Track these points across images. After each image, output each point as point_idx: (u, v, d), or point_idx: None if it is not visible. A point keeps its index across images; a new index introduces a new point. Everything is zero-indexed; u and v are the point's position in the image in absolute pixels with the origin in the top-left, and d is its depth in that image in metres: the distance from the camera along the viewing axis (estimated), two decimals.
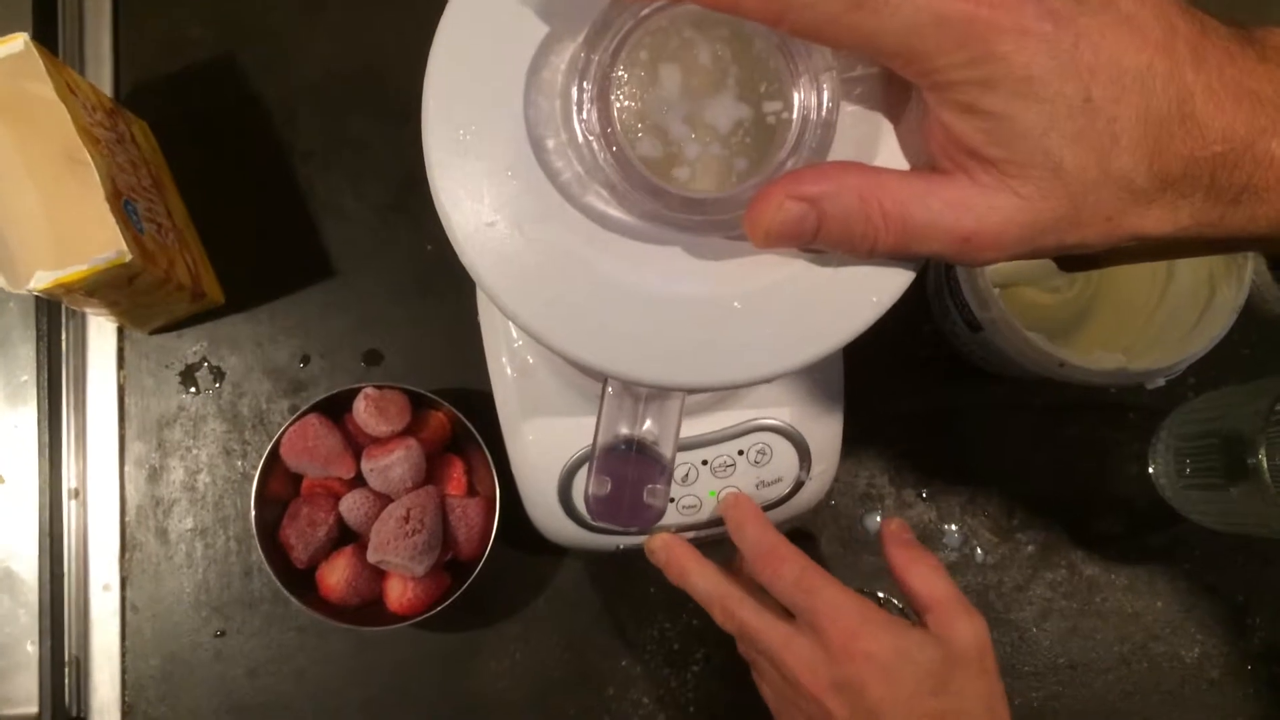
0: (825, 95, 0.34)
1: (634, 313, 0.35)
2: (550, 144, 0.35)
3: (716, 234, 0.35)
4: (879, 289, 0.35)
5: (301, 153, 0.77)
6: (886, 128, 0.35)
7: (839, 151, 0.35)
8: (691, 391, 0.41)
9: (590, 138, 0.34)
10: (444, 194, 0.35)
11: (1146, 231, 0.32)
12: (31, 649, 0.72)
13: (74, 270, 0.59)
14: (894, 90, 0.35)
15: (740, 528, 0.58)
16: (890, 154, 0.35)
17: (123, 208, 0.61)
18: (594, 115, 0.34)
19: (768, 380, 0.36)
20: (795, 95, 0.34)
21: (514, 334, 0.62)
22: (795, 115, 0.34)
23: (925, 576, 0.55)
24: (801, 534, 0.75)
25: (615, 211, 0.36)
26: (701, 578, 0.58)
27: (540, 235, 0.35)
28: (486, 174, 0.35)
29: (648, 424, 0.40)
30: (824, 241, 0.33)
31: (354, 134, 0.77)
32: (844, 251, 0.34)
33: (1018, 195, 0.31)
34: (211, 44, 0.78)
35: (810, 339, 0.35)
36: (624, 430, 0.40)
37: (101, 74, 0.77)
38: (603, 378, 0.40)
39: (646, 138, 0.34)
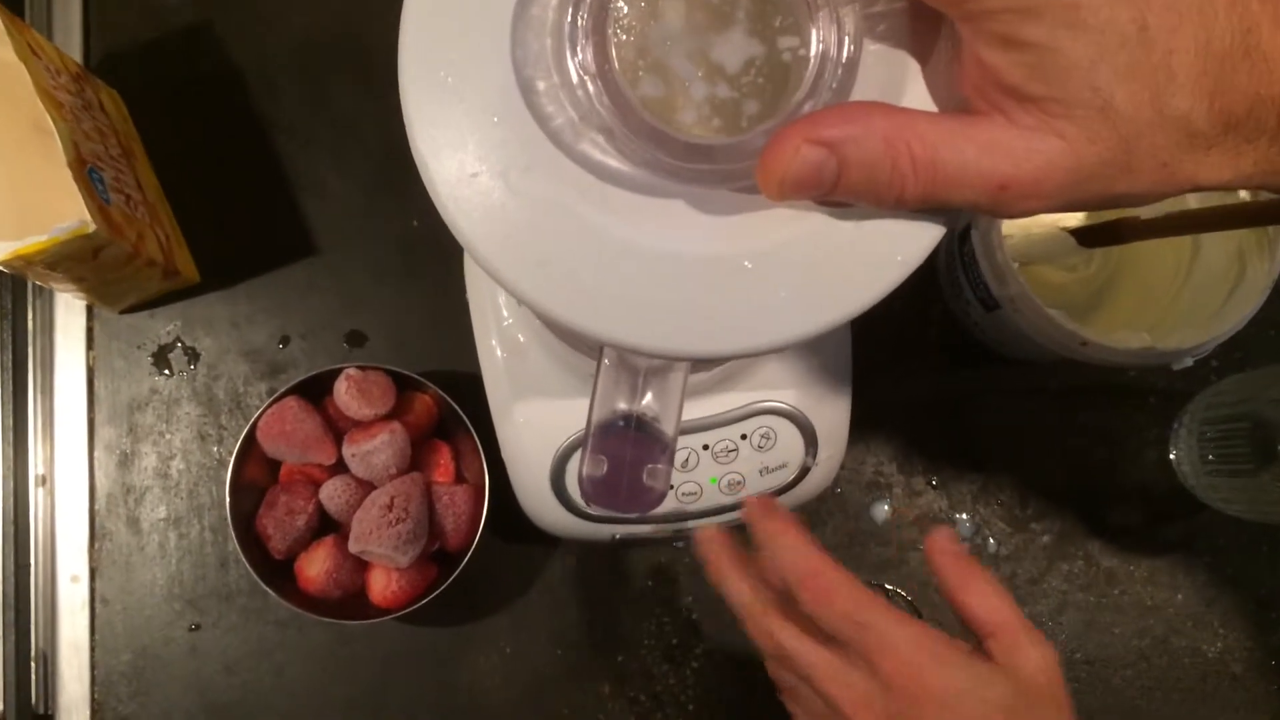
0: (847, 31, 0.31)
1: (633, 274, 0.32)
2: (541, 86, 0.32)
3: (725, 185, 0.32)
4: (905, 246, 0.32)
5: (281, 125, 0.74)
6: (914, 68, 0.32)
7: (861, 95, 0.31)
8: (697, 361, 0.37)
9: (585, 78, 0.31)
10: (422, 142, 0.32)
11: (1205, 180, 0.29)
12: None
13: (34, 241, 0.55)
14: (921, 26, 0.32)
15: (773, 540, 0.49)
16: (918, 97, 0.32)
17: (86, 175, 0.58)
18: (589, 53, 0.31)
19: (781, 348, 0.32)
20: (813, 31, 0.31)
21: (504, 312, 0.59)
22: (813, 53, 0.31)
23: (985, 596, 0.47)
24: (805, 523, 0.72)
25: (613, 161, 0.32)
26: (741, 586, 0.50)
27: (529, 187, 0.32)
28: (469, 120, 0.32)
29: (648, 398, 0.37)
30: (845, 191, 0.30)
31: (336, 106, 0.74)
32: (867, 203, 0.30)
33: (1061, 137, 0.28)
34: (188, 11, 0.75)
35: (829, 302, 0.32)
36: (622, 405, 0.37)
37: (71, 41, 0.73)
38: (598, 347, 0.36)
39: (647, 77, 0.31)
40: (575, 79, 0.31)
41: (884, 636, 0.45)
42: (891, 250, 0.32)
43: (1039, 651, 0.46)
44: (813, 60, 0.31)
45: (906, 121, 0.29)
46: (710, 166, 0.31)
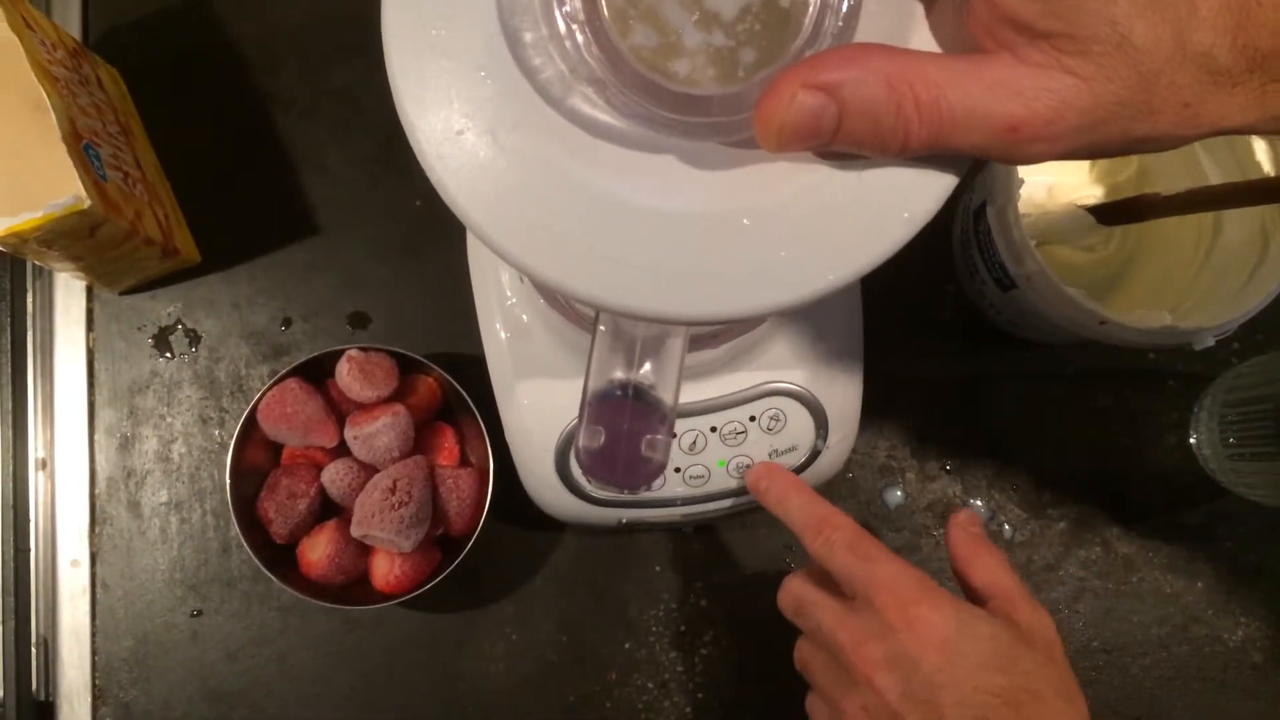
0: None
1: (626, 234, 0.31)
2: (528, 37, 0.31)
3: (721, 139, 0.31)
4: (912, 201, 0.30)
5: (283, 102, 0.73)
6: (918, 12, 0.30)
7: (864, 40, 0.30)
8: (695, 325, 0.36)
9: (573, 27, 0.30)
10: (406, 98, 0.31)
11: (1230, 122, 0.27)
12: None
13: (28, 217, 0.54)
14: None
15: (784, 500, 0.54)
16: (923, 42, 0.30)
17: (82, 151, 0.57)
18: (578, 1, 0.29)
19: (783, 310, 0.31)
20: None
21: (507, 292, 0.58)
22: None
23: (989, 567, 0.50)
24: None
25: (604, 115, 0.31)
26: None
27: (518, 144, 0.31)
28: (454, 74, 0.31)
29: (645, 367, 0.36)
30: (846, 139, 0.28)
31: (338, 82, 0.73)
32: (870, 151, 0.29)
33: (1074, 75, 0.26)
34: None
35: (832, 261, 0.31)
36: (618, 374, 0.36)
37: (70, 17, 0.72)
38: (593, 312, 0.35)
39: (639, 26, 0.30)
40: (563, 29, 0.30)
41: (886, 571, 0.47)
42: (898, 205, 0.30)
43: (1036, 613, 0.48)
44: (813, 5, 0.30)
45: (910, 62, 0.27)
46: (706, 119, 0.30)
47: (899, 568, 0.47)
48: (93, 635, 0.69)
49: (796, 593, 0.52)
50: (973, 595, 0.50)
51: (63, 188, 0.55)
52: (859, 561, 0.48)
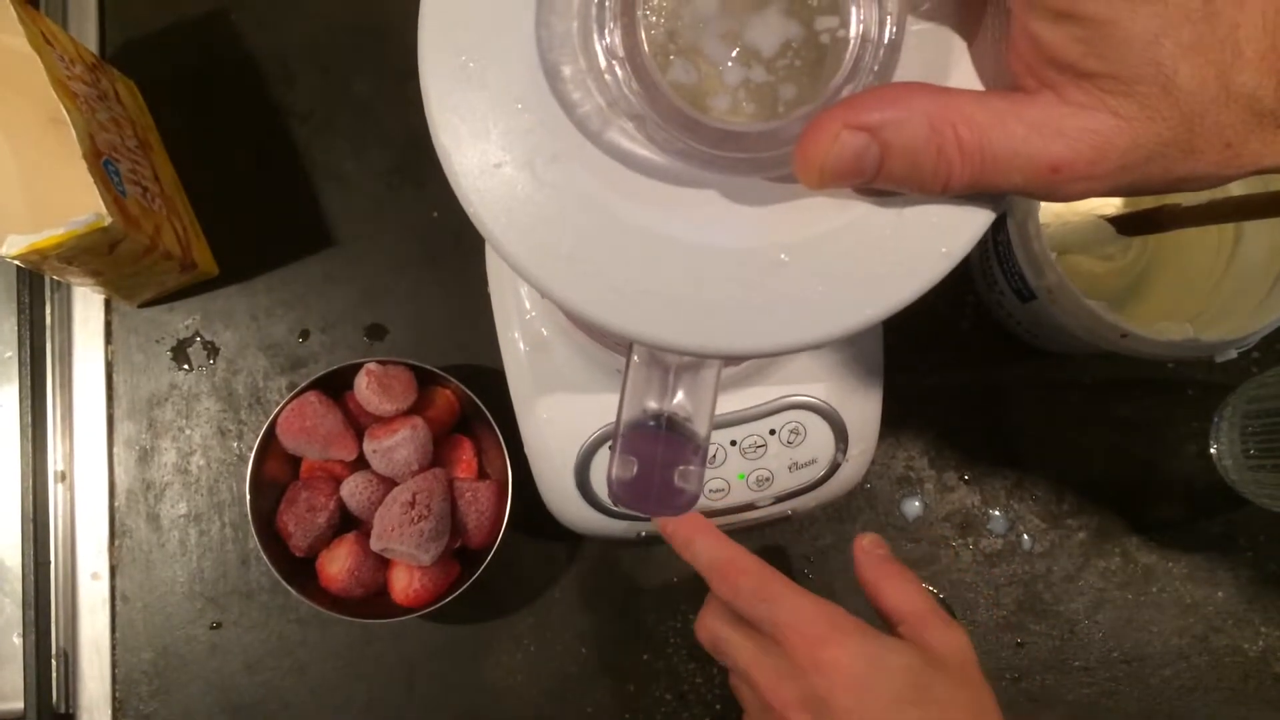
0: (889, 10, 0.29)
1: (664, 268, 0.30)
2: (566, 71, 0.31)
3: (760, 174, 0.30)
4: (949, 237, 0.30)
5: (300, 114, 0.73)
6: (959, 47, 0.30)
7: (904, 76, 0.30)
8: (731, 359, 0.36)
9: (613, 62, 0.29)
10: (444, 131, 0.30)
11: (1271, 161, 0.27)
12: (16, 641, 0.69)
13: (49, 235, 0.54)
14: (968, 2, 0.30)
15: (690, 544, 0.53)
16: (964, 77, 0.30)
17: (102, 167, 0.57)
18: (617, 35, 0.29)
19: (818, 346, 0.31)
20: (853, 10, 0.29)
21: (527, 305, 0.58)
22: (853, 34, 0.29)
23: (899, 589, 0.50)
24: (834, 519, 0.71)
25: (642, 149, 0.31)
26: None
27: (555, 177, 0.30)
28: (492, 107, 0.30)
29: (679, 397, 0.36)
30: (887, 179, 0.28)
31: (355, 94, 0.73)
32: (911, 190, 0.29)
33: (1117, 115, 0.26)
34: None
35: (869, 297, 0.30)
36: (652, 404, 0.36)
37: (87, 30, 0.72)
38: (628, 344, 0.35)
39: (679, 61, 0.30)
40: (603, 63, 0.30)
41: (792, 611, 0.47)
42: (935, 241, 0.30)
43: (948, 633, 0.48)
44: (853, 41, 0.29)
45: (952, 103, 0.27)
46: (745, 155, 0.30)
47: (805, 606, 0.47)
48: (113, 647, 0.69)
49: (712, 630, 0.52)
50: (886, 617, 0.50)
51: (83, 204, 0.55)
52: (764, 604, 0.48)
